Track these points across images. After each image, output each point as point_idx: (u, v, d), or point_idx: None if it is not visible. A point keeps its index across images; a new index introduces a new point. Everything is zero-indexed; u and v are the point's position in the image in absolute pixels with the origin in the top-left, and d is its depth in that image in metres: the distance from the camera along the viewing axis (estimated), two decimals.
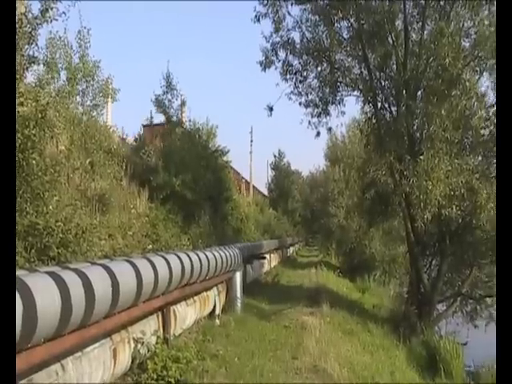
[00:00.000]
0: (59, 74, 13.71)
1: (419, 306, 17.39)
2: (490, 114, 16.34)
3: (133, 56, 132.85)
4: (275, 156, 58.59)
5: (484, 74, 15.84)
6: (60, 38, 13.63)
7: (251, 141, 52.58)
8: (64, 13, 10.19)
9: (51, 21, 9.77)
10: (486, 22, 14.95)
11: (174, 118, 18.33)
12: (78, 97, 14.31)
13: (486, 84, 16.99)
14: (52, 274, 4.95)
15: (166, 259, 7.93)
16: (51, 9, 9.48)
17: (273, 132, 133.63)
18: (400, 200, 16.53)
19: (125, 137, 18.49)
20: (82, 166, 11.45)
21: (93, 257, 8.29)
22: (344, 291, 22.70)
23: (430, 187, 13.88)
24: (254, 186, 48.70)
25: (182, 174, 15.92)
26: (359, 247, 31.52)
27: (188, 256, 9.07)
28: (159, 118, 17.98)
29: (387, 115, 17.23)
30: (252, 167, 50.30)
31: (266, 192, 56.97)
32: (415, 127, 16.38)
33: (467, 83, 14.72)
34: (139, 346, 7.02)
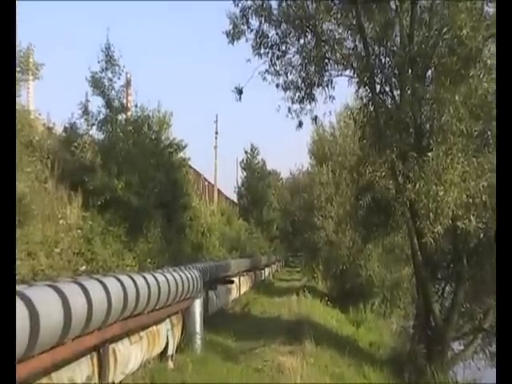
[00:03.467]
0: None
1: (429, 344, 17.49)
2: None
3: (61, 22, 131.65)
4: (246, 152, 58.82)
5: None
6: None
7: (216, 133, 52.79)
8: None
9: None
10: None
11: (116, 103, 18.14)
12: None
13: None
14: None
15: (103, 284, 7.89)
16: None
17: (243, 122, 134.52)
18: (404, 209, 16.61)
19: (51, 125, 18.21)
20: None
21: None
22: (333, 324, 22.86)
23: (442, 193, 13.90)
24: (219, 191, 48.76)
25: (126, 175, 15.89)
26: (353, 269, 31.72)
27: (132, 279, 9.05)
28: (97, 102, 17.73)
29: (388, 101, 17.36)
30: (217, 166, 50.53)
31: (234, 198, 57.11)
32: (423, 117, 16.50)
33: (489, 61, 14.77)
34: None
